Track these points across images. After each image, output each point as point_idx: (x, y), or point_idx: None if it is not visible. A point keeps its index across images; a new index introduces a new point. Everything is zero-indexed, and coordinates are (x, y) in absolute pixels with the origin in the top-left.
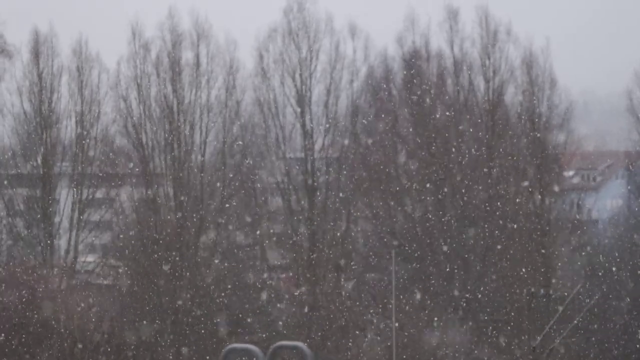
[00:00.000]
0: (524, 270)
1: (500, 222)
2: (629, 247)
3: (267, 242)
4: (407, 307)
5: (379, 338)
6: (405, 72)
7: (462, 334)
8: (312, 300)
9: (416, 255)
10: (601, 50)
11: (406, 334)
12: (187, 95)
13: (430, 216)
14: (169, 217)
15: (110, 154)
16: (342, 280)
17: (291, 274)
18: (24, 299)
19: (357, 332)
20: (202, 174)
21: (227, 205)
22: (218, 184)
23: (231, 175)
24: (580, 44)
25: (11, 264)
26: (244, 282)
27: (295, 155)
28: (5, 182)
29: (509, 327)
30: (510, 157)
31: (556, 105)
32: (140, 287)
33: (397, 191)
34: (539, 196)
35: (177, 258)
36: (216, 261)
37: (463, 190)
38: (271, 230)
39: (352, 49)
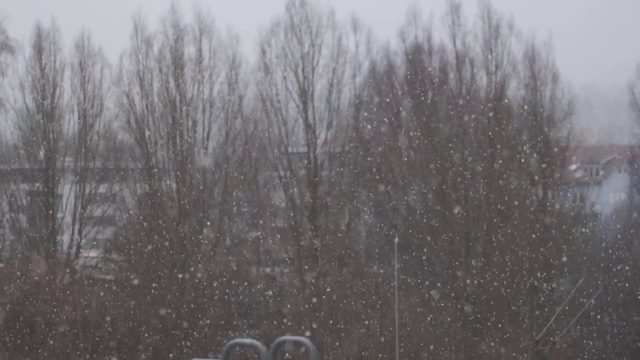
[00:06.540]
0: (525, 262)
1: (502, 215)
2: (632, 240)
3: (270, 235)
4: (409, 299)
5: (380, 329)
6: (407, 66)
7: (464, 325)
8: (315, 292)
9: (418, 247)
10: (604, 44)
11: (408, 327)
12: (190, 90)
13: (432, 209)
14: (171, 211)
15: (113, 149)
16: (345, 272)
17: (294, 267)
18: (27, 294)
19: (359, 324)
20: (204, 169)
21: (229, 199)
22: (220, 178)
23: (233, 170)
24: (582, 38)
25: (14, 259)
26: (247, 276)
27: (297, 149)
28: (8, 177)
29: (510, 320)
30: (512, 151)
31: (558, 99)
32: (143, 280)
33: (399, 184)
34: (542, 189)
35: (180, 252)
36: (219, 254)
37: (465, 183)
38: (274, 224)
39: (355, 43)
